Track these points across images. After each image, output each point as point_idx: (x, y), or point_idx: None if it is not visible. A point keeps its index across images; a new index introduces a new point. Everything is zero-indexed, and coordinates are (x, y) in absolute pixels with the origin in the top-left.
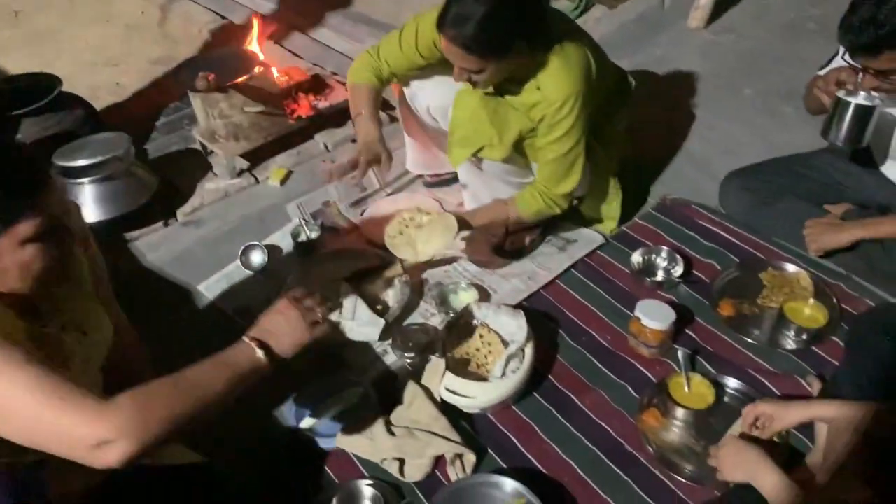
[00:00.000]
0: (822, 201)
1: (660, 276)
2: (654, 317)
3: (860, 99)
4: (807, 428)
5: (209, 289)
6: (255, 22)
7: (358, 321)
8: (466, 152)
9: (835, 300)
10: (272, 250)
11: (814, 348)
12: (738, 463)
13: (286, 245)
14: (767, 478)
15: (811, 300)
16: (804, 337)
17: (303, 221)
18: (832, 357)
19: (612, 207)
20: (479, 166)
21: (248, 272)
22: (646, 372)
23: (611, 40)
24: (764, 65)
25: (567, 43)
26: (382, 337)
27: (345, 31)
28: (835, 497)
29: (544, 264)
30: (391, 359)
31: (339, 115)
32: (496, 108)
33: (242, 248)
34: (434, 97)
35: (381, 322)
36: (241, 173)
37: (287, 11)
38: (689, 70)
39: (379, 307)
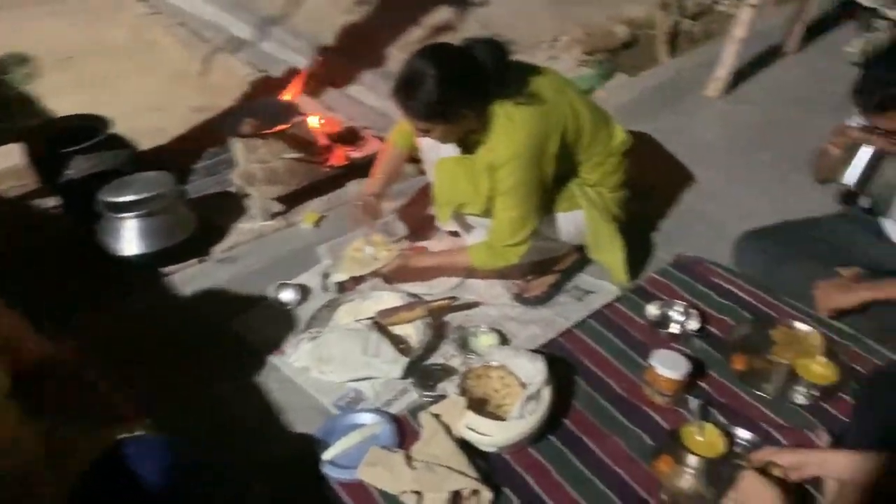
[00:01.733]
0: (833, 264)
1: (674, 328)
2: (668, 366)
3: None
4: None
5: (240, 323)
6: (299, 76)
7: (381, 358)
8: (450, 210)
9: (844, 358)
10: (303, 289)
11: (823, 405)
12: (755, 496)
13: (315, 284)
14: None
15: (821, 357)
16: (814, 393)
17: (333, 263)
18: (842, 414)
19: (615, 258)
20: (466, 222)
21: (279, 308)
22: (660, 420)
23: (631, 106)
24: (778, 134)
25: (526, 107)
26: (405, 375)
27: (377, 89)
28: None
29: (562, 313)
30: (412, 396)
31: (371, 166)
32: (470, 167)
33: (276, 284)
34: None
35: (404, 360)
36: (275, 216)
37: (322, 67)
38: (705, 136)
39: (402, 346)
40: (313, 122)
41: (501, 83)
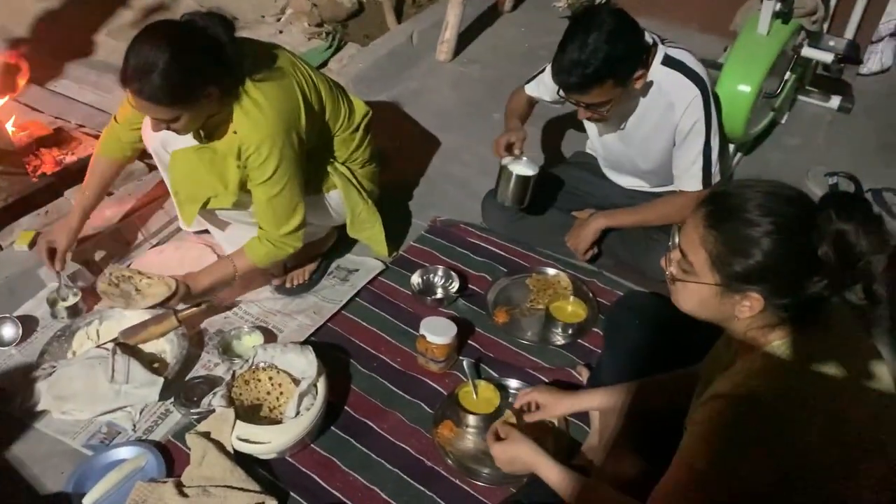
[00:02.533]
0: (570, 209)
1: (439, 293)
2: (437, 332)
3: (520, 169)
4: (583, 415)
5: None
6: None
7: (133, 383)
8: (195, 208)
9: (591, 295)
10: (26, 321)
11: (579, 341)
12: (513, 458)
13: (42, 313)
14: (550, 472)
15: (572, 298)
16: (570, 332)
17: (60, 286)
18: (595, 346)
19: (375, 233)
20: (218, 219)
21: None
22: (437, 387)
23: (367, 75)
24: (507, 90)
25: (268, 83)
26: (163, 396)
27: (89, 82)
28: (614, 473)
29: (328, 297)
30: (176, 418)
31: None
32: (212, 157)
33: None
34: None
35: (160, 380)
36: None
37: (16, 62)
38: (442, 99)
39: (156, 365)
40: (8, 126)
41: (238, 59)
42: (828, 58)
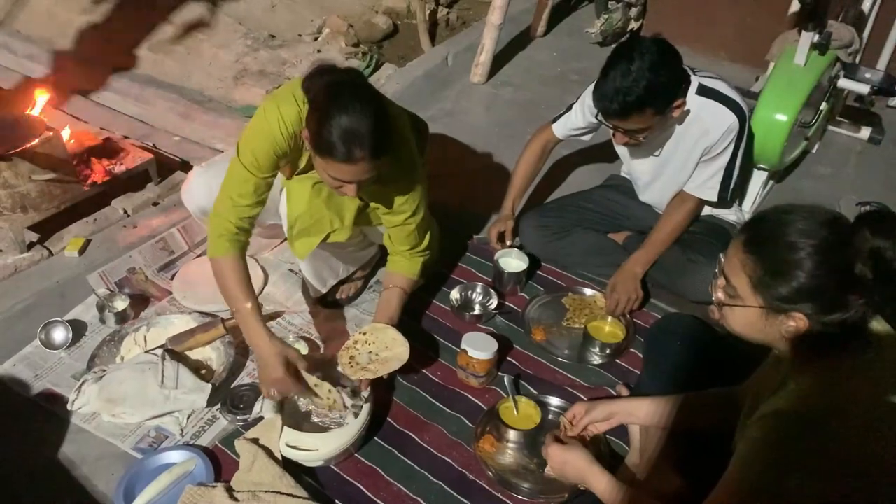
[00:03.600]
0: (605, 231)
1: (477, 309)
2: (478, 347)
3: (512, 264)
4: (622, 432)
5: (5, 374)
6: (36, 86)
7: (182, 389)
8: (313, 242)
9: (628, 316)
10: (76, 326)
11: (617, 361)
12: (566, 461)
13: (91, 318)
14: (599, 481)
15: (609, 319)
16: (607, 351)
17: (108, 292)
18: (633, 367)
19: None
20: (322, 248)
21: (51, 352)
22: (477, 401)
23: (404, 95)
24: (539, 112)
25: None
26: (210, 402)
27: (132, 94)
28: (656, 490)
29: (368, 310)
30: (222, 424)
31: (137, 179)
32: (328, 193)
33: (42, 325)
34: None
35: (208, 387)
36: (31, 246)
37: (63, 75)
38: (476, 120)
39: (203, 371)
40: (64, 135)
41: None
42: (864, 89)
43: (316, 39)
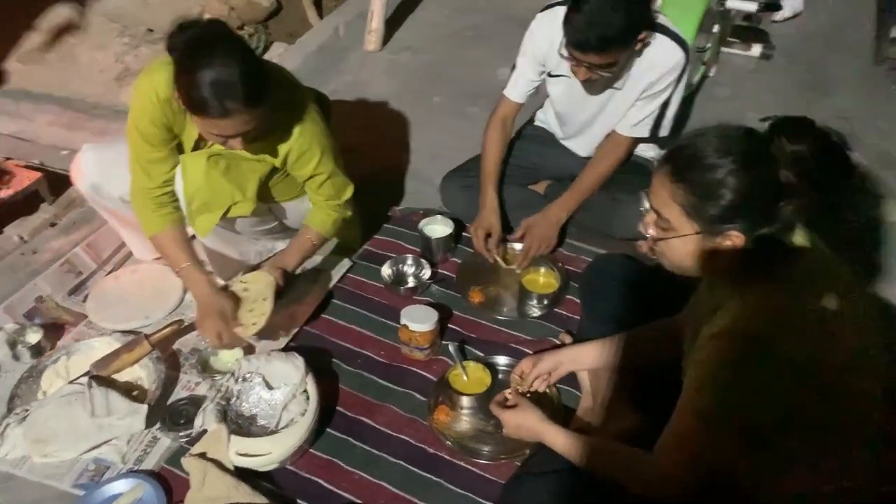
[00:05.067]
0: (526, 183)
1: (411, 282)
2: (419, 320)
3: (438, 231)
4: (572, 381)
5: None
6: None
7: (116, 414)
8: (214, 217)
9: (560, 264)
10: None
11: (556, 310)
12: (521, 427)
13: (3, 357)
14: (556, 438)
15: (542, 269)
16: (545, 302)
17: (17, 326)
18: (573, 313)
19: (353, 231)
20: (228, 227)
21: None
22: (426, 374)
23: (299, 73)
24: (443, 73)
25: (294, 88)
26: (149, 423)
27: (6, 112)
28: (616, 431)
29: (299, 299)
30: (165, 443)
31: (28, 202)
32: (227, 164)
33: None
34: (122, 183)
35: (143, 408)
36: None
37: None
38: (379, 89)
39: (135, 393)
40: None
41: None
42: (752, 7)
43: None
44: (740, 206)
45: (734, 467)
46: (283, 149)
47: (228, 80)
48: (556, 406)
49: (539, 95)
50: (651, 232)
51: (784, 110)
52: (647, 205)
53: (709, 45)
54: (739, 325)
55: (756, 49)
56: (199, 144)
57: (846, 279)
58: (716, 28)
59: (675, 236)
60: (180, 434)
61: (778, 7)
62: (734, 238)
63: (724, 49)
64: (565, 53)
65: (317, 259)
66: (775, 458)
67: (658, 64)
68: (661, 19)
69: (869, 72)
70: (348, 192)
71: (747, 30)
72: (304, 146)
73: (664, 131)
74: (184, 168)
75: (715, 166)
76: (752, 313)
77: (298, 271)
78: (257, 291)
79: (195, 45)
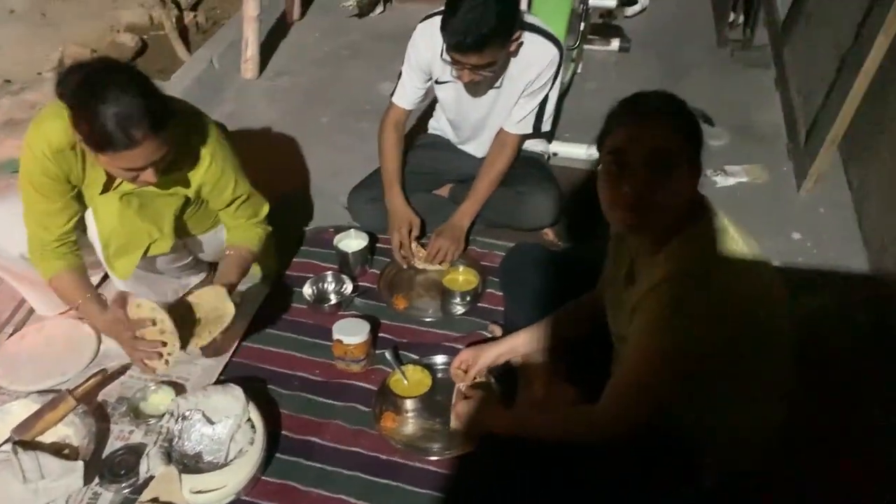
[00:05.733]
0: (430, 188)
1: (333, 298)
2: (352, 333)
3: (353, 245)
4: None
5: None
6: None
7: (50, 477)
8: (134, 258)
9: (476, 261)
10: None
11: (479, 305)
12: (471, 422)
13: None
14: (501, 423)
15: (461, 268)
16: (468, 299)
17: None
18: (496, 305)
19: (269, 257)
20: (148, 268)
21: None
22: (365, 384)
23: None
24: (325, 93)
25: (194, 119)
26: (87, 479)
27: None
28: (555, 404)
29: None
30: (107, 498)
31: None
32: (140, 203)
33: None
34: (21, 240)
35: (79, 464)
36: None
37: None
38: (262, 115)
39: (66, 451)
40: None
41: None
42: (612, 3)
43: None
44: (700, 143)
45: (673, 404)
46: (195, 178)
47: (129, 108)
48: (497, 397)
49: (428, 105)
50: (649, 179)
51: None
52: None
53: (577, 43)
54: (676, 271)
55: (615, 43)
56: (108, 187)
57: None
58: (582, 26)
59: (681, 167)
60: (123, 485)
61: (633, 3)
62: (695, 169)
63: (586, 46)
64: (447, 58)
65: (238, 289)
66: (709, 396)
67: (535, 62)
68: (532, 19)
69: (715, 54)
70: (265, 209)
71: (605, 26)
72: (217, 173)
73: (546, 126)
74: (95, 212)
75: (683, 102)
76: (685, 258)
77: None
78: (209, 303)
79: (87, 84)
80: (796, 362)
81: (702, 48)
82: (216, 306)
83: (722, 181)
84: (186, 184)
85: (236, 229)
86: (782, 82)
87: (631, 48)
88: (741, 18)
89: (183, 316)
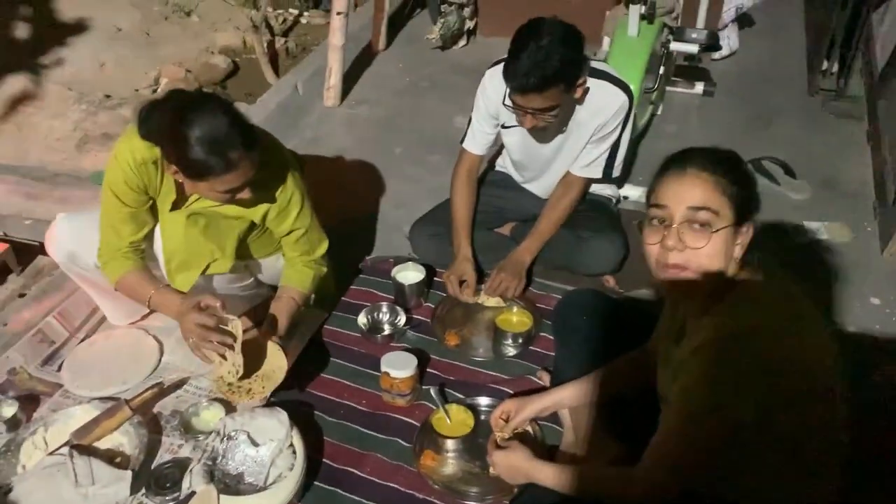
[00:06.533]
0: (492, 227)
1: (387, 329)
2: (398, 366)
3: (411, 278)
4: (554, 418)
5: None
6: None
7: (100, 483)
8: (193, 275)
9: (531, 303)
10: None
11: (531, 348)
12: (512, 468)
13: None
14: (543, 473)
15: (515, 308)
16: (520, 341)
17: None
18: (547, 350)
19: (328, 283)
20: (206, 285)
21: None
22: (408, 420)
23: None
24: (401, 124)
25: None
26: (134, 489)
27: None
28: (596, 460)
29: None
30: None
31: None
32: (206, 223)
33: None
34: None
35: (127, 474)
36: None
37: None
38: (340, 142)
39: (118, 460)
40: None
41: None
42: (694, 49)
43: (155, 91)
44: (755, 196)
45: (715, 469)
46: (263, 205)
47: (220, 133)
48: (539, 444)
49: (499, 139)
50: (690, 234)
51: (728, 142)
52: (670, 211)
53: (656, 86)
54: (721, 331)
55: (699, 87)
56: (177, 205)
57: (799, 292)
58: (661, 69)
59: (721, 227)
60: (167, 498)
61: (717, 48)
62: (750, 228)
63: (668, 88)
64: (510, 103)
65: None
66: (752, 461)
67: (603, 108)
68: (601, 65)
69: (804, 102)
70: (323, 248)
71: (690, 69)
72: (284, 202)
73: (616, 171)
74: (163, 227)
75: (739, 160)
76: (729, 321)
77: None
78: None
79: (176, 118)
80: (860, 432)
81: (791, 96)
82: (269, 359)
83: (798, 238)
84: (254, 209)
85: (292, 266)
86: (875, 136)
87: (716, 92)
88: (835, 66)
89: (251, 352)
